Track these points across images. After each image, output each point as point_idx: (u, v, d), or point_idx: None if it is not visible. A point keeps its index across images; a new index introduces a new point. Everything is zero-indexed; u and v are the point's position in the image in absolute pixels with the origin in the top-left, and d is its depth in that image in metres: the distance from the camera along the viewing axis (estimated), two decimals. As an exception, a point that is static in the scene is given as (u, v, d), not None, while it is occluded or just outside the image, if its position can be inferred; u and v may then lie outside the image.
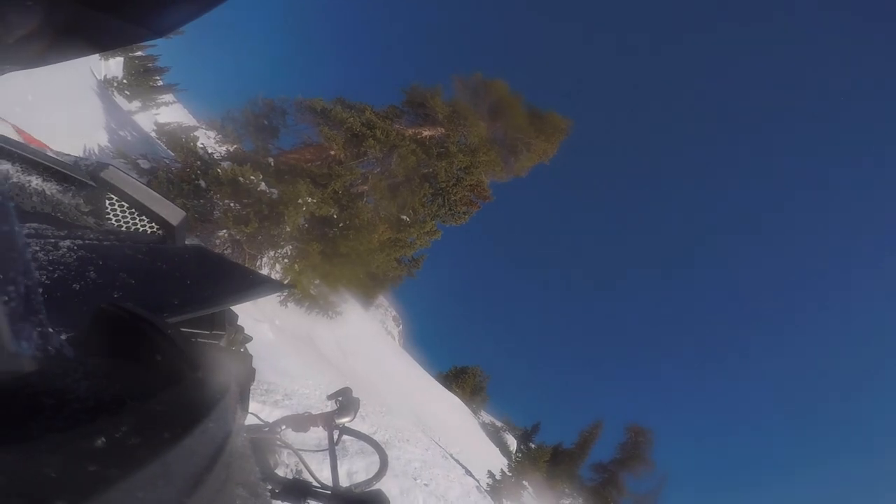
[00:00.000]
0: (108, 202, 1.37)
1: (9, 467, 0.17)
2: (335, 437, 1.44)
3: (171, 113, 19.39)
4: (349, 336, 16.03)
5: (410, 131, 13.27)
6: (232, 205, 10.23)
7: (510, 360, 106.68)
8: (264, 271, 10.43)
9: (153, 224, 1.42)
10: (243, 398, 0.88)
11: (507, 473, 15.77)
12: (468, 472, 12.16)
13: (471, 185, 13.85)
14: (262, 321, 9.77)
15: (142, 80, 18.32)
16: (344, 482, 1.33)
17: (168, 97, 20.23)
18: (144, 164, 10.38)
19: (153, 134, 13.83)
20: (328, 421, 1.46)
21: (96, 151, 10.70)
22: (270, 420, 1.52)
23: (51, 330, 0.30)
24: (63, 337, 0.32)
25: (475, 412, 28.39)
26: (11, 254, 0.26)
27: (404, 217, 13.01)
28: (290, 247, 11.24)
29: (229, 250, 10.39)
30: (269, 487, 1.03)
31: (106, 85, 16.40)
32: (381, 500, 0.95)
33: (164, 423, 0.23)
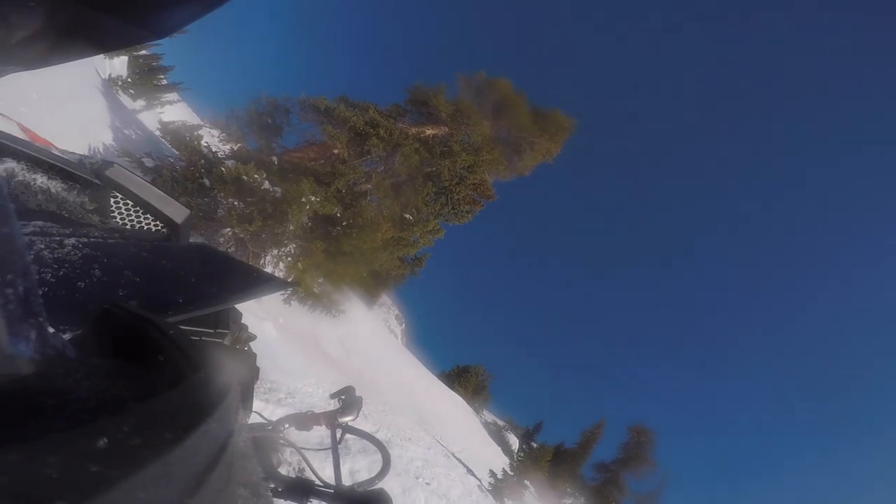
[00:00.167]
0: (112, 200, 1.37)
1: (10, 468, 0.17)
2: (338, 435, 1.44)
3: (175, 111, 19.49)
4: (352, 334, 16.06)
5: (414, 130, 13.25)
6: (236, 203, 10.27)
7: (513, 359, 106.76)
8: (268, 269, 10.46)
9: (158, 222, 1.42)
10: (247, 397, 0.89)
11: (509, 473, 15.79)
12: (470, 471, 12.16)
13: (474, 184, 13.81)
14: (265, 319, 9.83)
15: (146, 79, 18.41)
16: (347, 481, 1.33)
17: (172, 96, 20.35)
18: (149, 162, 10.43)
19: (157, 132, 13.92)
20: (331, 419, 1.45)
21: (101, 150, 10.76)
22: (274, 418, 1.52)
23: (51, 331, 0.30)
24: (65, 337, 0.32)
25: (477, 411, 28.38)
26: (11, 256, 0.26)
27: (407, 216, 13.01)
28: (294, 245, 11.27)
29: (233, 248, 10.43)
30: (272, 486, 1.03)
31: (110, 84, 16.49)
32: (384, 499, 0.94)
33: (166, 423, 0.23)
